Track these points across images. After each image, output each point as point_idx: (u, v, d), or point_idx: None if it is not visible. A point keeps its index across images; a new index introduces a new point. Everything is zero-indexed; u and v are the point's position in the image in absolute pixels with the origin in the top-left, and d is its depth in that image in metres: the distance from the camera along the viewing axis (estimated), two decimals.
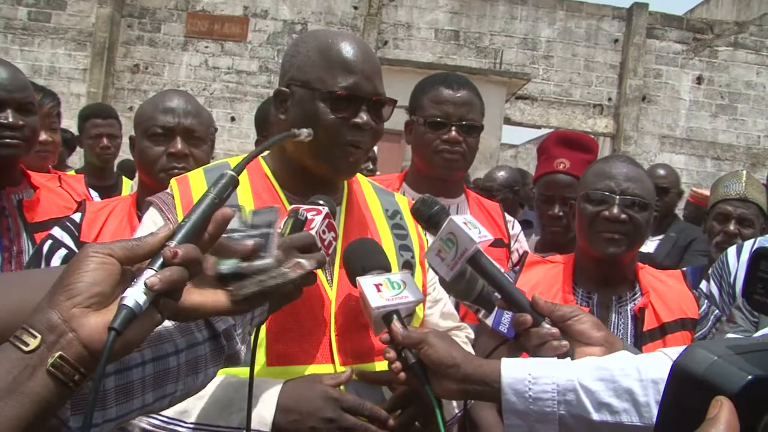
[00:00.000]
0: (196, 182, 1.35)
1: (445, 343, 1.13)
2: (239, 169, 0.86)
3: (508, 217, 2.34)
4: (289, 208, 1.14)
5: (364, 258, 1.24)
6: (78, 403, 0.74)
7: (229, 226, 0.88)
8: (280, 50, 12.29)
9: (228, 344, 0.97)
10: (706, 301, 1.85)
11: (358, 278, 1.20)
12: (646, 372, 1.00)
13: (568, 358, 1.10)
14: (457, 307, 1.82)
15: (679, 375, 0.56)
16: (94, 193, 2.52)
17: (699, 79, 13.14)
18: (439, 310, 1.52)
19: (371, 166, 3.72)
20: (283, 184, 1.38)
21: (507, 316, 1.31)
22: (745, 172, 3.04)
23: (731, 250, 2.55)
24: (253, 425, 1.12)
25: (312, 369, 1.25)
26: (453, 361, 1.09)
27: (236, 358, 1.00)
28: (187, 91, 3.49)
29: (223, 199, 0.82)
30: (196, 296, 0.81)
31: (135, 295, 0.69)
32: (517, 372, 1.05)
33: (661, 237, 3.89)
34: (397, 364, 1.14)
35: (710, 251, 2.93)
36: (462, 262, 1.18)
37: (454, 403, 1.40)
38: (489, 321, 1.34)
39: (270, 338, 1.24)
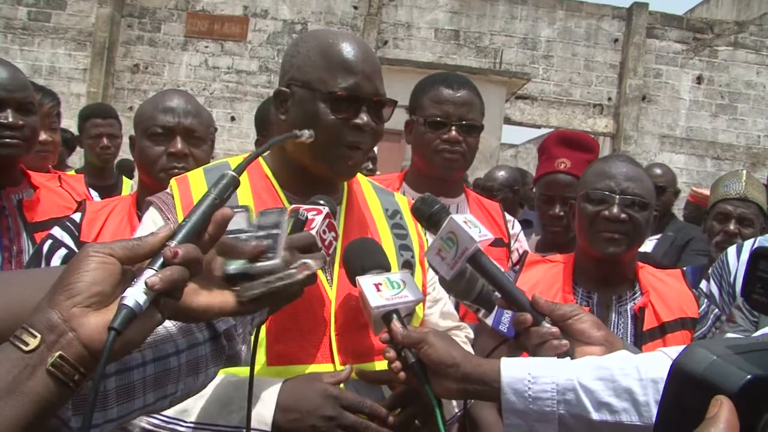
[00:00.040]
0: (196, 182, 1.35)
1: (444, 342, 1.13)
2: (240, 169, 0.86)
3: (508, 217, 2.34)
4: (290, 208, 1.14)
5: (363, 257, 1.24)
6: (79, 403, 0.74)
7: (236, 227, 0.88)
8: (280, 50, 12.29)
9: (229, 344, 0.98)
10: (705, 300, 1.85)
11: (357, 278, 1.20)
12: (646, 371, 1.00)
13: (568, 358, 1.10)
14: (457, 307, 1.82)
15: (678, 374, 0.56)
16: (94, 193, 2.52)
17: (699, 79, 13.14)
18: (439, 310, 1.52)
19: (371, 166, 3.72)
20: (283, 184, 1.38)
21: (507, 316, 1.32)
22: (745, 171, 3.04)
23: (731, 250, 2.55)
24: (253, 424, 1.12)
25: (312, 369, 1.25)
26: (453, 361, 1.09)
27: (237, 359, 1.00)
28: (187, 90, 3.49)
29: (224, 199, 0.82)
30: (203, 298, 0.81)
31: (135, 295, 0.69)
32: (517, 371, 1.05)
33: (658, 236, 3.89)
34: (397, 364, 1.14)
35: (710, 251, 2.93)
36: (462, 261, 1.18)
37: (454, 402, 1.41)
38: (489, 320, 1.34)
39: (270, 338, 1.24)
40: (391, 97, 1.36)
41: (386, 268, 1.24)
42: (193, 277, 0.76)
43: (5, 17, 12.17)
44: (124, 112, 8.46)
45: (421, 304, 1.41)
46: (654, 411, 0.97)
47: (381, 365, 1.27)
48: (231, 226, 0.91)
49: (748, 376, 0.52)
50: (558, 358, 1.10)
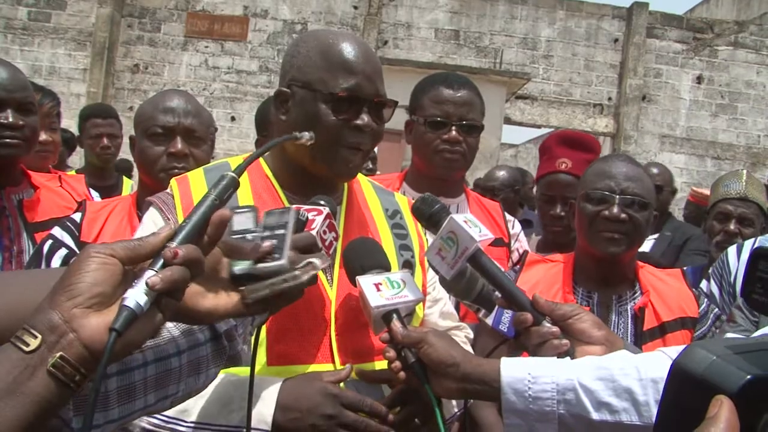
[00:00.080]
0: (196, 182, 1.35)
1: (444, 342, 1.13)
2: (240, 170, 0.86)
3: (509, 217, 2.34)
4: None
5: (363, 257, 1.24)
6: (80, 404, 0.74)
7: (242, 227, 0.88)
8: (280, 50, 12.29)
9: (229, 345, 0.98)
10: (705, 299, 1.85)
11: (357, 277, 1.20)
12: (646, 371, 1.00)
13: (568, 357, 1.10)
14: (457, 307, 1.82)
15: (678, 375, 0.56)
16: (94, 193, 2.52)
17: (699, 79, 13.13)
18: (439, 310, 1.52)
19: (371, 166, 3.71)
20: (284, 184, 1.38)
21: (507, 315, 1.32)
22: (745, 171, 3.04)
23: (731, 250, 2.55)
24: (253, 423, 1.12)
25: (312, 369, 1.25)
26: (452, 361, 1.09)
27: (238, 359, 1.01)
28: (187, 90, 3.49)
29: (224, 200, 0.83)
30: (208, 301, 0.81)
31: (136, 296, 0.69)
32: (517, 371, 1.05)
33: (656, 236, 3.89)
34: (397, 364, 1.14)
35: (710, 250, 2.93)
36: (462, 261, 1.19)
37: (454, 401, 1.41)
38: (489, 320, 1.34)
39: (270, 338, 1.24)
40: (391, 97, 1.36)
41: (386, 267, 1.24)
42: (195, 278, 0.76)
43: (5, 17, 12.17)
44: (124, 112, 8.46)
45: (421, 304, 1.41)
46: (654, 411, 0.97)
47: (381, 365, 1.28)
48: (237, 227, 0.92)
49: (748, 377, 0.52)
50: (558, 357, 1.10)
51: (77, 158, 7.18)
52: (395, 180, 2.24)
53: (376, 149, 1.98)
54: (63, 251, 1.78)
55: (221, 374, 1.15)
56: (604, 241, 1.73)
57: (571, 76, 13.16)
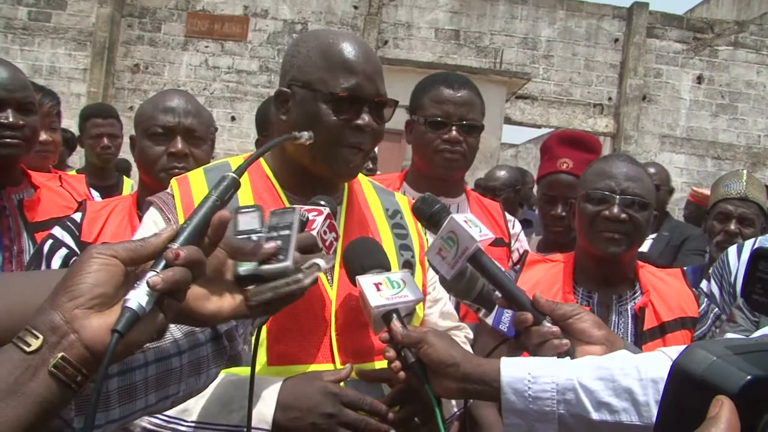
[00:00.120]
0: (197, 182, 1.35)
1: (444, 342, 1.13)
2: (240, 171, 0.86)
3: (509, 217, 2.34)
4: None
5: (363, 257, 1.25)
6: (82, 404, 0.74)
7: (248, 227, 0.88)
8: (280, 50, 12.29)
9: (230, 345, 0.98)
10: (705, 299, 1.85)
11: (357, 277, 1.20)
12: (646, 371, 1.00)
13: (568, 357, 1.10)
14: (457, 307, 1.82)
15: (678, 375, 0.56)
16: (95, 193, 2.52)
17: (699, 79, 13.13)
18: (439, 310, 1.52)
19: (371, 166, 3.72)
20: (284, 184, 1.38)
21: (507, 315, 1.32)
22: (745, 171, 3.04)
23: (732, 250, 2.55)
24: (254, 423, 1.12)
25: (312, 369, 1.25)
26: (452, 361, 1.09)
27: (238, 359, 1.01)
28: (188, 90, 3.49)
29: (225, 201, 0.83)
30: (212, 304, 0.82)
31: (138, 297, 0.70)
32: (517, 371, 1.05)
33: (653, 236, 3.89)
34: (397, 364, 1.14)
35: (711, 250, 2.93)
36: (463, 261, 1.19)
37: (454, 401, 1.41)
38: (489, 320, 1.34)
39: (271, 338, 1.24)
40: (392, 97, 1.36)
41: (386, 267, 1.24)
42: (197, 279, 0.76)
43: (5, 17, 12.17)
44: (124, 112, 8.46)
45: (421, 304, 1.41)
46: (654, 411, 0.97)
47: (381, 365, 1.28)
48: (243, 227, 0.92)
49: (748, 377, 0.52)
50: (558, 357, 1.10)
51: (77, 158, 7.19)
52: (395, 180, 2.24)
53: (376, 149, 1.98)
54: (63, 251, 1.78)
55: (222, 374, 1.15)
56: (604, 241, 1.73)
57: (571, 76, 13.16)
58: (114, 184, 3.83)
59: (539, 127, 13.57)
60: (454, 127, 2.07)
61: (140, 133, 1.90)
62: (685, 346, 0.60)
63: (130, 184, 3.97)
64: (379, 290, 1.17)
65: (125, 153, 3.38)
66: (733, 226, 2.81)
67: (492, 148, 10.49)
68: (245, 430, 1.10)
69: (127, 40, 12.52)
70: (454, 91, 2.10)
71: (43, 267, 1.75)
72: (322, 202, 1.18)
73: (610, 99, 13.20)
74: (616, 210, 1.71)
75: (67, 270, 0.70)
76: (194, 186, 1.34)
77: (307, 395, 1.17)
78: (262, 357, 1.23)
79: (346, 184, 1.44)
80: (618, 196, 1.72)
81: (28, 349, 0.65)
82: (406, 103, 2.08)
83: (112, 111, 4.08)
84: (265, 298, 0.85)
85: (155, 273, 0.71)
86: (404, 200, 1.55)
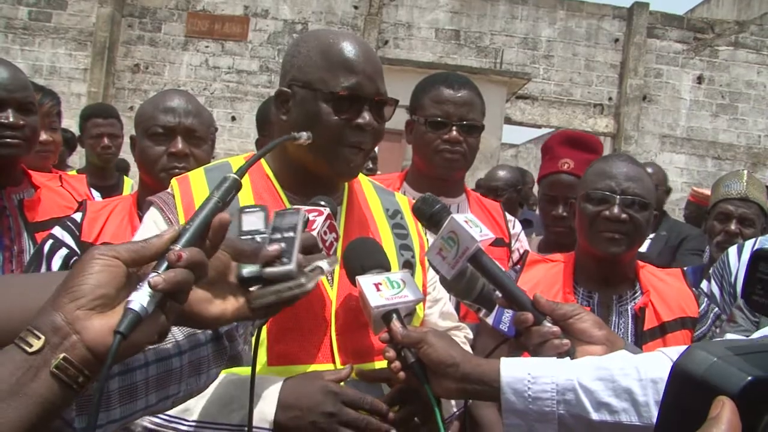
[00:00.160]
0: (197, 182, 1.35)
1: (444, 342, 1.13)
2: (242, 172, 0.86)
3: (509, 217, 2.34)
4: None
5: (363, 257, 1.25)
6: (83, 404, 0.74)
7: (253, 228, 0.88)
8: (280, 50, 12.29)
9: (230, 345, 0.98)
10: (705, 299, 1.85)
11: (357, 277, 1.20)
12: (646, 372, 1.00)
13: (568, 357, 1.10)
14: (457, 307, 1.82)
15: (679, 376, 0.56)
16: (95, 193, 2.52)
17: (699, 79, 13.13)
18: (439, 310, 1.52)
19: (372, 166, 3.72)
20: (284, 184, 1.38)
21: (507, 315, 1.32)
22: (746, 171, 3.04)
23: (732, 250, 2.55)
24: (255, 422, 1.12)
25: (313, 369, 1.25)
26: (452, 361, 1.09)
27: (238, 359, 1.01)
28: (188, 90, 3.49)
29: (226, 202, 0.83)
30: (216, 307, 0.82)
31: (141, 299, 0.70)
32: (517, 371, 1.05)
33: (652, 236, 3.89)
34: (397, 364, 1.14)
35: (711, 251, 2.93)
36: (463, 261, 1.19)
37: (453, 401, 1.41)
38: (489, 320, 1.34)
39: (271, 338, 1.24)
40: (392, 97, 1.36)
41: (386, 267, 1.24)
42: (199, 281, 0.76)
43: (6, 17, 12.17)
44: (124, 112, 8.44)
45: (421, 304, 1.41)
46: (653, 411, 0.97)
47: (381, 365, 1.28)
48: (247, 227, 0.92)
49: (749, 378, 0.52)
50: (559, 357, 1.10)
51: (78, 158, 7.18)
52: (396, 180, 2.24)
53: (376, 149, 1.98)
54: (63, 251, 1.78)
55: (222, 374, 1.15)
56: (604, 241, 1.73)
57: (571, 76, 13.16)
58: (114, 184, 3.83)
59: (539, 127, 13.57)
60: (454, 127, 2.07)
61: (140, 133, 1.90)
62: (685, 346, 0.61)
63: (130, 184, 3.98)
64: (379, 290, 1.17)
65: (125, 153, 3.38)
66: (733, 227, 2.81)
67: (492, 148, 10.49)
68: (246, 429, 1.10)
69: (127, 40, 12.52)
70: (454, 91, 2.10)
71: (44, 267, 1.76)
72: (322, 203, 1.18)
73: (610, 99, 13.21)
74: (616, 210, 1.71)
75: (68, 271, 0.70)
76: (195, 186, 1.34)
77: (307, 394, 1.17)
78: (262, 357, 1.23)
79: (346, 184, 1.44)
80: (618, 196, 1.72)
81: (29, 350, 0.65)
82: (406, 103, 2.08)
83: (113, 111, 4.08)
84: (267, 302, 0.85)
85: (157, 274, 0.71)
86: (404, 200, 1.55)
